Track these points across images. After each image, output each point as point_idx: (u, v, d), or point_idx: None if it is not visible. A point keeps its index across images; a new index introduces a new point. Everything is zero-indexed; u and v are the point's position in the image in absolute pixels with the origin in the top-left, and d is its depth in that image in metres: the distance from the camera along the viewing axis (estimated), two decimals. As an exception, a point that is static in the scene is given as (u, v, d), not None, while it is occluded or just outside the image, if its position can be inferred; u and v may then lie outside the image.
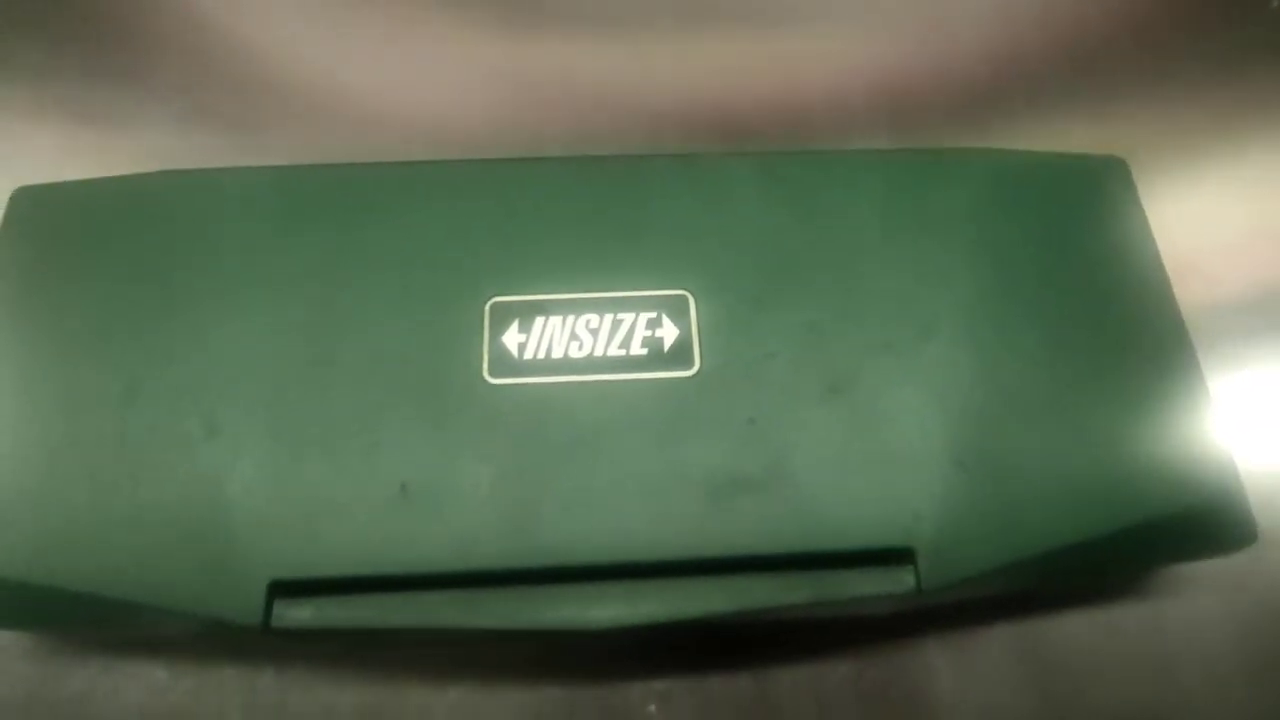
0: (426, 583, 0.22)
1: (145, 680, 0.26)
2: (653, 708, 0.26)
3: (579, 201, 0.27)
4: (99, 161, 0.30)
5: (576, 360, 0.25)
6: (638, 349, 0.25)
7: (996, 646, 0.27)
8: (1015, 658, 0.27)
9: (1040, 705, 0.27)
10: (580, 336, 0.25)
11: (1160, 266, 0.28)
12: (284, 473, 0.23)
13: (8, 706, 0.26)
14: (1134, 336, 0.26)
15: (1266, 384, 0.31)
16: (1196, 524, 0.24)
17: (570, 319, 0.25)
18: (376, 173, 0.27)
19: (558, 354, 0.25)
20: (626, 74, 0.38)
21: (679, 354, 0.25)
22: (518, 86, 0.38)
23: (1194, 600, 0.28)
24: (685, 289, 0.26)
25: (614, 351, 0.25)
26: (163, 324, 0.25)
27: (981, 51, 0.38)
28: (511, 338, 0.25)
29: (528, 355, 0.25)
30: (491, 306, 0.25)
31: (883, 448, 0.24)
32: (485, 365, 0.25)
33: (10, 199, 0.28)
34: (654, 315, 0.25)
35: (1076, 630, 0.27)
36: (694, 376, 0.25)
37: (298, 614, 0.22)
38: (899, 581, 0.23)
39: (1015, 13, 0.40)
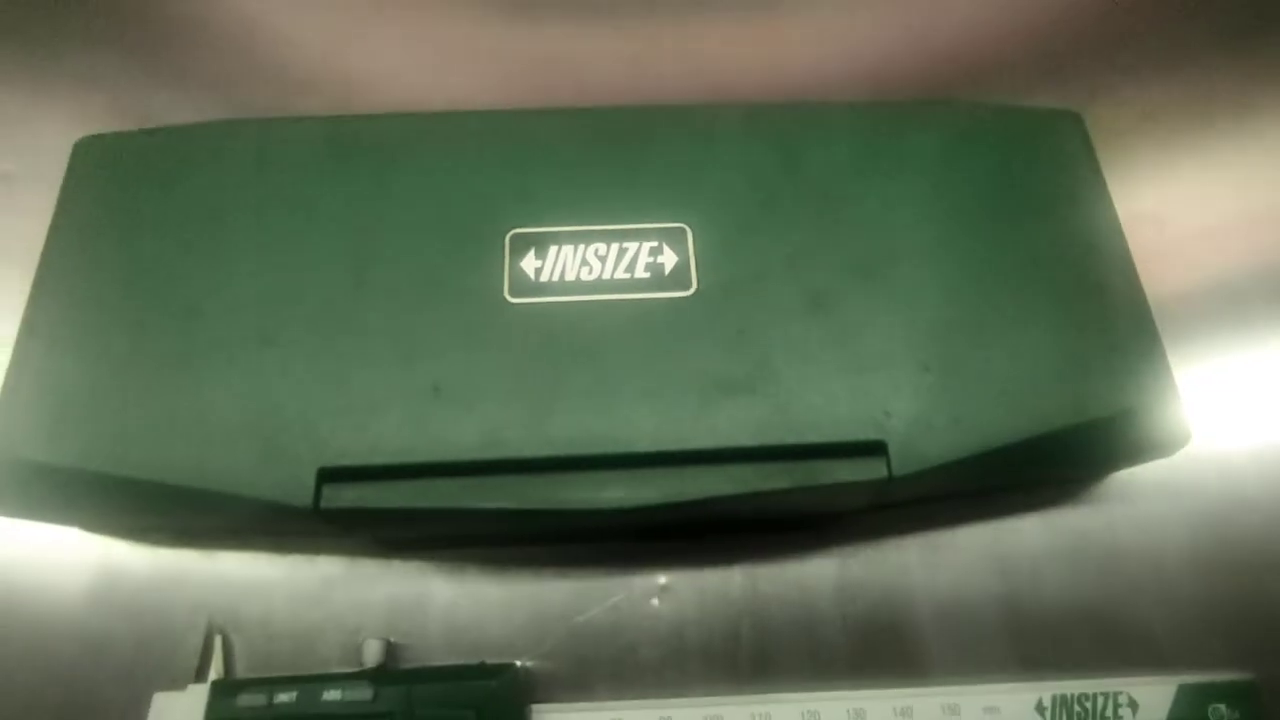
0: (455, 470, 0.25)
1: (199, 576, 0.29)
2: (655, 601, 0.29)
3: (590, 145, 0.30)
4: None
5: (587, 282, 0.28)
6: (641, 273, 0.28)
7: (963, 545, 0.30)
8: (980, 555, 0.30)
9: (1002, 596, 0.30)
10: (590, 262, 0.28)
11: (1111, 207, 0.31)
12: (330, 377, 0.26)
13: (77, 594, 0.29)
14: (1082, 262, 0.29)
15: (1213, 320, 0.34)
16: (1134, 425, 0.27)
17: (581, 247, 0.28)
18: (411, 122, 0.31)
19: (570, 277, 0.28)
20: (627, 60, 0.41)
21: (678, 277, 0.28)
22: (522, 72, 0.41)
23: (1139, 505, 0.31)
24: (684, 222, 0.29)
25: (620, 275, 0.28)
26: (222, 254, 0.28)
27: (964, 37, 0.41)
28: (529, 263, 0.28)
29: (543, 278, 0.28)
30: (512, 237, 0.29)
31: (857, 355, 0.27)
32: (506, 287, 0.28)
33: (74, 147, 0.31)
34: (655, 244, 0.29)
35: (1035, 532, 0.31)
36: (691, 296, 0.28)
37: (344, 496, 0.25)
38: (872, 470, 0.26)
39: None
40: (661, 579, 0.30)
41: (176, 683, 0.27)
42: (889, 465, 0.26)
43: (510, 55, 0.41)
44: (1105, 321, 0.28)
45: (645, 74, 0.41)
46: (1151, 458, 0.29)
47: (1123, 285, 0.29)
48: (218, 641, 0.28)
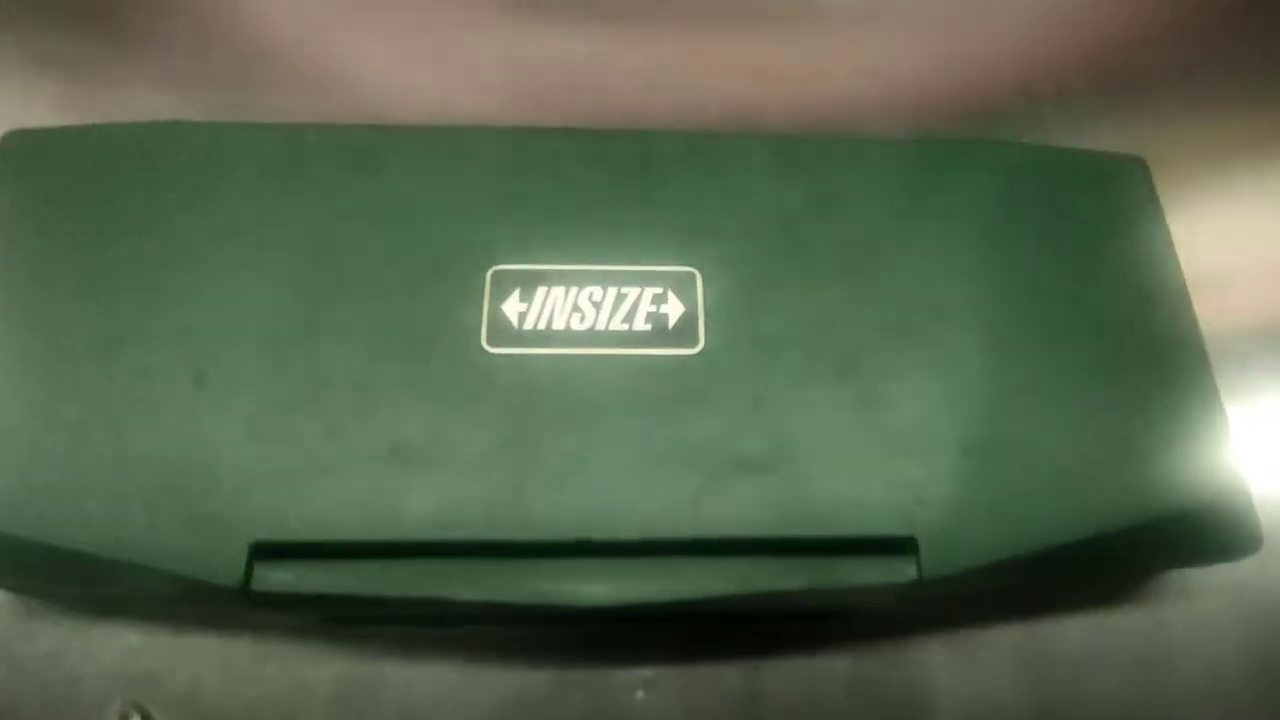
0: (411, 551, 0.22)
1: (118, 643, 0.25)
2: (640, 694, 0.26)
3: (590, 172, 0.26)
4: (93, 115, 0.30)
5: (577, 333, 0.24)
6: (641, 324, 0.24)
7: (996, 646, 0.27)
8: (1015, 658, 0.27)
9: (1038, 707, 0.26)
10: (582, 309, 0.24)
11: (1176, 267, 0.27)
12: (272, 430, 0.22)
13: (-23, 663, 0.25)
14: (1147, 335, 0.26)
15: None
16: (1200, 527, 0.24)
17: (573, 290, 0.25)
18: (384, 135, 0.27)
19: (558, 325, 0.24)
20: (645, 70, 0.38)
21: (684, 331, 0.24)
22: (533, 79, 0.37)
23: (1195, 606, 0.27)
24: (693, 266, 0.25)
25: (616, 326, 0.24)
26: (154, 272, 0.24)
27: (1001, 56, 0.38)
28: (512, 306, 0.24)
29: (527, 325, 0.24)
30: (494, 274, 0.25)
31: (888, 433, 0.23)
32: (484, 333, 0.24)
33: (1, 140, 0.27)
34: (659, 291, 0.25)
35: (1077, 632, 0.27)
36: (698, 355, 0.24)
37: (279, 577, 0.21)
38: (899, 571, 0.22)
39: (1038, 17, 0.39)
40: (647, 671, 0.26)
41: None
42: (919, 566, 0.22)
43: (519, 59, 0.37)
44: (1170, 403, 0.25)
45: (662, 87, 0.37)
46: (1216, 562, 0.25)
47: (1189, 360, 0.25)
48: (134, 724, 0.24)
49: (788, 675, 0.26)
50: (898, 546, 0.22)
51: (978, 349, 0.24)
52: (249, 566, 0.21)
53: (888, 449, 0.23)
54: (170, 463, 0.22)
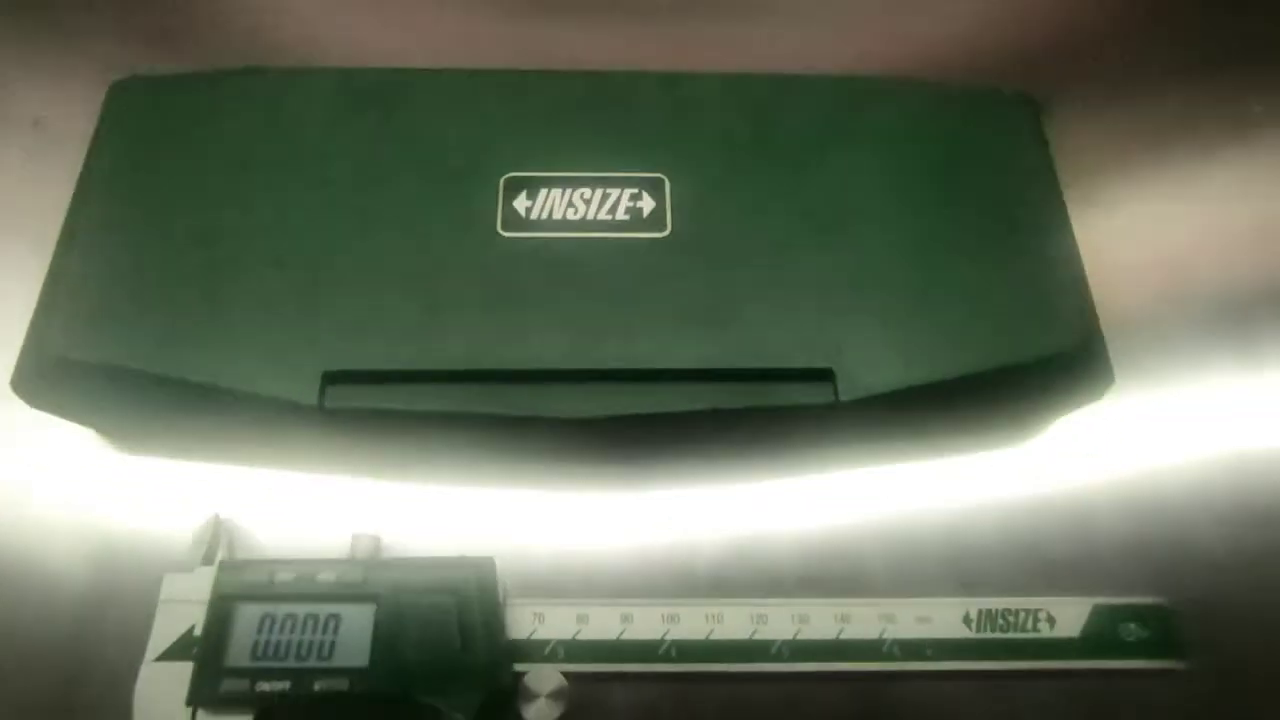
0: (447, 377, 0.28)
1: (207, 480, 0.32)
2: (622, 516, 0.32)
3: (580, 102, 0.33)
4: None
5: (573, 221, 0.31)
6: (622, 215, 0.31)
7: (906, 478, 0.33)
8: (921, 489, 0.33)
9: (941, 526, 0.32)
10: (576, 204, 0.31)
11: (1053, 176, 0.34)
12: (339, 293, 0.29)
13: (90, 495, 0.31)
14: (1024, 226, 0.32)
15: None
16: (1065, 366, 0.30)
17: (569, 191, 0.32)
18: (416, 76, 0.34)
19: (558, 216, 0.31)
20: (623, 59, 0.43)
21: (655, 221, 0.31)
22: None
23: (1070, 448, 0.33)
24: (662, 173, 0.32)
25: (603, 216, 0.31)
26: (241, 185, 0.31)
27: (948, 45, 0.43)
28: (521, 203, 0.31)
29: (533, 216, 0.31)
30: (506, 180, 0.32)
31: (813, 295, 0.30)
32: (499, 222, 0.31)
33: (110, 87, 0.34)
34: (635, 191, 0.32)
35: (973, 469, 0.33)
36: (666, 237, 0.31)
37: (345, 396, 0.28)
38: (821, 394, 0.29)
39: (985, 12, 0.44)
40: (629, 497, 0.32)
41: (185, 567, 0.30)
42: (836, 391, 0.29)
43: (506, 50, 0.42)
44: (1041, 278, 0.31)
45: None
46: (1081, 402, 0.32)
47: (1060, 248, 0.32)
48: (224, 532, 0.31)
49: (740, 501, 0.32)
50: (819, 375, 0.29)
51: (882, 242, 0.31)
52: (322, 390, 0.28)
53: (812, 307, 0.30)
54: (258, 320, 0.29)
